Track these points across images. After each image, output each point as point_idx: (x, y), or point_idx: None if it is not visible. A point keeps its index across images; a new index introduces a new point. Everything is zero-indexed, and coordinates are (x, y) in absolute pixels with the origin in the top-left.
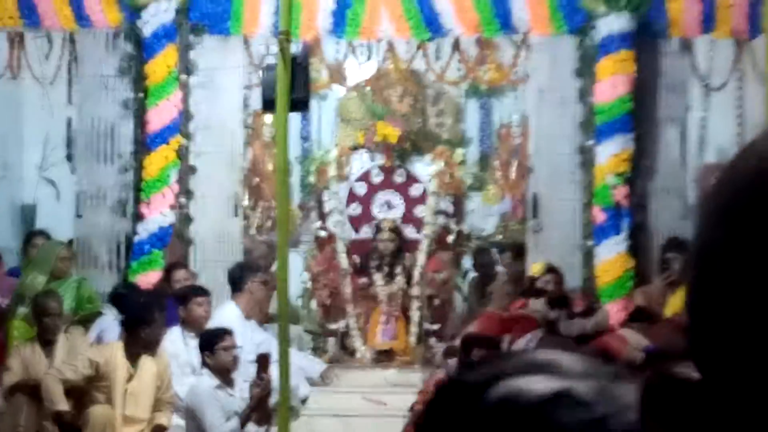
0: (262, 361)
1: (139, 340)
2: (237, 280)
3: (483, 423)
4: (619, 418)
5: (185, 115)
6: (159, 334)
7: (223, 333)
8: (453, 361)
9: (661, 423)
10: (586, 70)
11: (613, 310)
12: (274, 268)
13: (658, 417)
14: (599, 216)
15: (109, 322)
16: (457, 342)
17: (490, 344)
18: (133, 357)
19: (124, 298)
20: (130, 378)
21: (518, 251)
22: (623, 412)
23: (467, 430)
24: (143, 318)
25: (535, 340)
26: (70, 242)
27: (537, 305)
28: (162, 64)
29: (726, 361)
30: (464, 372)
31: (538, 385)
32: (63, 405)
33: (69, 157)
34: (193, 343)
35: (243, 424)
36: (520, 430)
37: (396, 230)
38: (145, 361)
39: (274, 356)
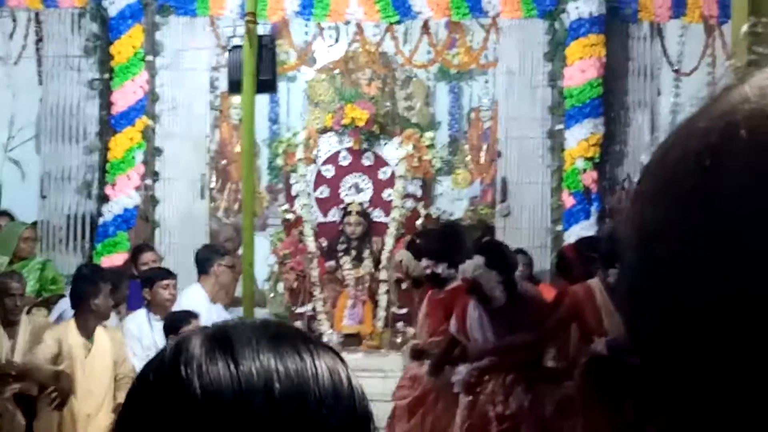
0: None
1: (90, 313)
2: (203, 262)
3: None
4: None
5: (151, 96)
6: (107, 303)
7: (189, 316)
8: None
9: (600, 402)
10: (555, 53)
11: None
12: (240, 251)
13: (596, 395)
14: (568, 200)
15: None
16: (421, 338)
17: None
18: (87, 331)
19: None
20: (87, 354)
21: (489, 234)
22: None
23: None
24: (88, 290)
25: (479, 312)
26: (34, 223)
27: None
28: (128, 44)
29: (666, 347)
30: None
31: None
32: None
33: (37, 138)
34: (158, 325)
35: None
36: None
37: (364, 213)
38: (100, 334)
39: None
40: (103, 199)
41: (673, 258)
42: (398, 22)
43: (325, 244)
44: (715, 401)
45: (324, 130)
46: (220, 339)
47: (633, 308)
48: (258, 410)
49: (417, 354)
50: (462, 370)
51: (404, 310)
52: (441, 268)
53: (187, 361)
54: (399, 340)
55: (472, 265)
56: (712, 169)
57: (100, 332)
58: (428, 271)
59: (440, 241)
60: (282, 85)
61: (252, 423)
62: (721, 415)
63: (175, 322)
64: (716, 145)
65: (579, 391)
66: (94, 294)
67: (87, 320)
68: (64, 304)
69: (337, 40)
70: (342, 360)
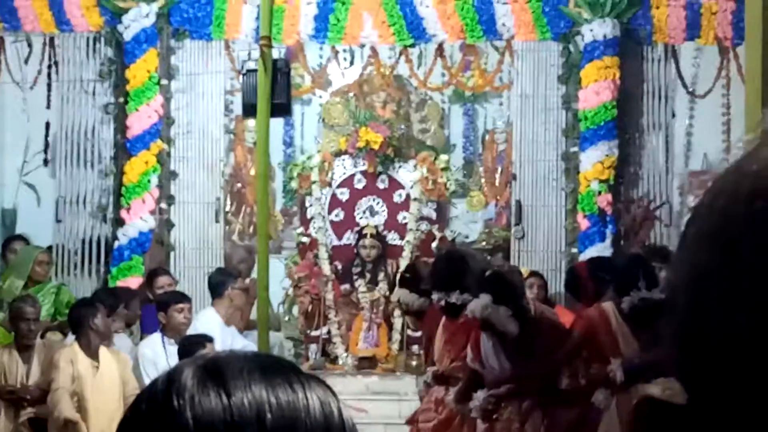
0: None
1: (91, 333)
2: (216, 286)
3: None
4: None
5: (166, 120)
6: (106, 323)
7: (204, 340)
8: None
9: None
10: (570, 76)
11: None
12: (254, 273)
13: None
14: (583, 223)
15: None
16: (444, 365)
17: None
18: (91, 352)
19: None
20: (95, 374)
21: (506, 257)
22: None
23: None
24: (85, 312)
25: (492, 341)
26: (49, 247)
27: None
28: (143, 68)
29: (718, 386)
30: None
31: None
32: (74, 415)
33: (45, 162)
34: (173, 349)
35: None
36: None
37: (379, 236)
38: (105, 354)
39: None
40: (118, 222)
41: (725, 299)
42: (413, 45)
43: (340, 267)
44: None
45: (339, 153)
46: (212, 370)
47: (684, 348)
48: None
49: (440, 380)
50: (479, 396)
51: (419, 333)
52: (453, 297)
53: (179, 391)
54: (414, 362)
55: (480, 306)
56: (763, 211)
57: (104, 353)
58: (441, 303)
59: (446, 270)
60: (296, 109)
61: None
62: None
63: (190, 346)
64: (766, 187)
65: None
66: (92, 314)
67: (89, 341)
68: None
69: (351, 63)
70: (333, 393)
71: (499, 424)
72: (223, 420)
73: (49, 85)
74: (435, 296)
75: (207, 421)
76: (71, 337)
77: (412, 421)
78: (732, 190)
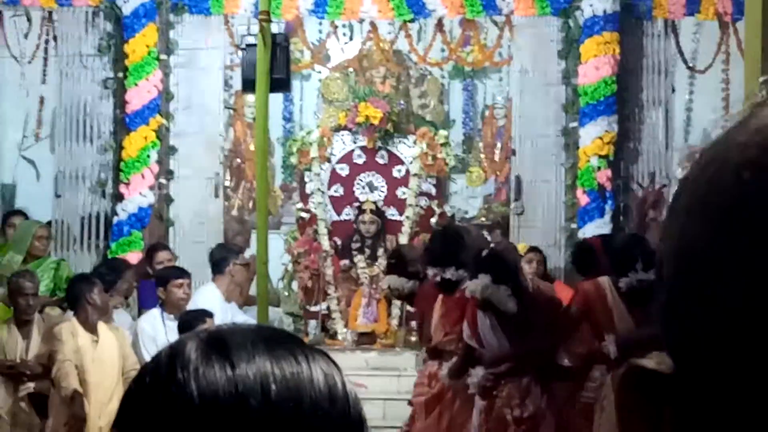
0: None
1: (89, 307)
2: (218, 262)
3: None
4: None
5: (165, 95)
6: (104, 297)
7: (203, 315)
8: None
9: (638, 413)
10: (570, 51)
11: None
12: (251, 247)
13: (634, 406)
14: (583, 198)
15: None
16: (437, 337)
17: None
18: (90, 327)
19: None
20: (95, 348)
21: (505, 232)
22: None
23: None
24: (82, 287)
25: (490, 319)
26: (49, 223)
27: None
28: (142, 43)
29: (704, 356)
30: None
31: None
32: (79, 387)
33: (37, 138)
34: (173, 324)
35: None
36: None
37: (378, 212)
38: (103, 329)
39: None
40: (118, 198)
41: (714, 270)
42: (412, 20)
43: (339, 242)
44: (754, 412)
45: (338, 129)
46: (216, 342)
47: (671, 319)
48: (254, 412)
49: (433, 354)
50: (478, 373)
51: None
52: (449, 273)
53: (183, 364)
54: (413, 338)
55: (479, 286)
56: (751, 182)
57: (103, 328)
58: (437, 279)
59: (442, 245)
60: (296, 84)
61: (248, 425)
62: (759, 424)
63: (190, 321)
64: (755, 159)
65: (617, 404)
66: (88, 289)
67: (87, 315)
68: None
69: (351, 39)
70: (336, 366)
71: (499, 401)
72: (228, 391)
73: (46, 60)
74: (430, 272)
75: (211, 393)
76: (70, 312)
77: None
78: (720, 162)
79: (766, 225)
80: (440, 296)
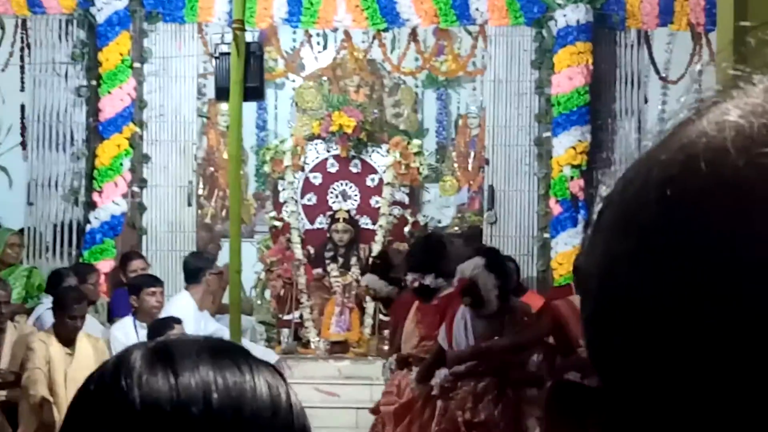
0: None
1: (70, 320)
2: (193, 271)
3: None
4: None
5: (139, 103)
6: (85, 309)
7: (172, 322)
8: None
9: (563, 427)
10: (543, 61)
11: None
12: (227, 258)
13: (559, 420)
14: (556, 208)
15: (46, 309)
16: (406, 347)
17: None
18: (68, 341)
19: (50, 283)
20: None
21: (478, 241)
22: None
23: None
24: (72, 301)
25: (465, 320)
26: (21, 230)
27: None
28: (115, 51)
29: (627, 372)
30: None
31: None
32: (47, 395)
33: (24, 145)
34: (145, 333)
35: None
36: None
37: (351, 221)
38: (82, 342)
39: None
40: (91, 206)
41: (635, 286)
42: (386, 30)
43: (312, 251)
44: (679, 426)
45: (312, 137)
46: (162, 351)
47: (594, 334)
48: (195, 420)
49: (403, 362)
50: (440, 373)
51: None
52: (428, 279)
53: (128, 371)
54: (386, 347)
55: (471, 265)
56: (673, 199)
57: (82, 340)
58: (416, 284)
59: (424, 252)
60: (270, 92)
61: None
62: None
63: (159, 329)
64: (676, 176)
65: (544, 414)
66: (76, 303)
67: (67, 329)
68: (40, 310)
69: (325, 47)
70: (283, 377)
71: (453, 403)
72: (170, 399)
73: (21, 68)
74: (409, 277)
75: (153, 400)
76: (32, 318)
77: (376, 410)
78: (642, 179)
79: (687, 241)
80: (416, 303)
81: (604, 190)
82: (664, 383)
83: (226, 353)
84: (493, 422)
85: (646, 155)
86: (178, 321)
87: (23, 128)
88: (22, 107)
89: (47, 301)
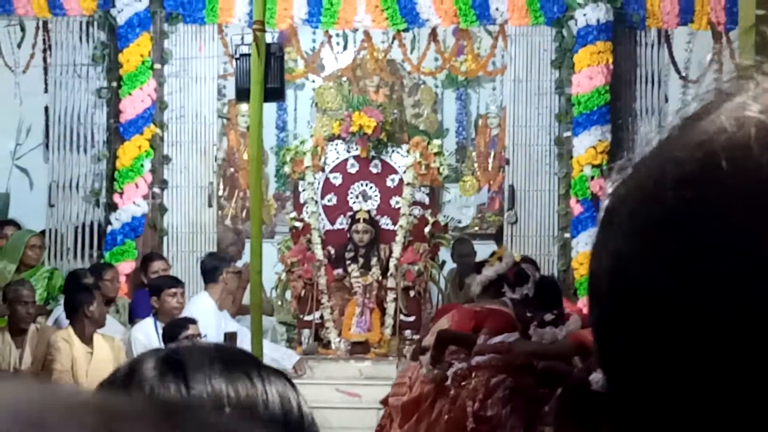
0: (229, 339)
1: (86, 320)
2: (210, 270)
3: None
4: None
5: (159, 105)
6: (102, 310)
7: (187, 322)
8: (424, 358)
9: (573, 427)
10: (563, 61)
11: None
12: (246, 257)
13: (570, 424)
14: (576, 208)
15: (63, 310)
16: (428, 339)
17: (465, 342)
18: (85, 338)
19: (68, 284)
20: (90, 360)
21: (498, 242)
22: None
23: None
24: (82, 298)
25: (513, 338)
26: (42, 232)
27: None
28: (136, 52)
29: (638, 375)
30: None
31: None
32: None
33: (47, 146)
34: None
35: None
36: None
37: (371, 221)
38: (99, 341)
39: (247, 347)
40: (111, 207)
41: (649, 287)
42: (406, 30)
43: (332, 251)
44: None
45: (331, 138)
46: (173, 362)
47: (605, 335)
48: None
49: (420, 353)
50: (459, 365)
51: (412, 318)
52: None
53: (140, 382)
54: (406, 347)
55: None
56: (693, 200)
57: (98, 339)
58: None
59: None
60: (290, 93)
61: None
62: None
63: (174, 328)
64: (696, 174)
65: (554, 417)
66: (87, 302)
67: (84, 327)
68: (59, 311)
69: (345, 48)
70: (294, 387)
71: (465, 392)
72: None
73: (45, 69)
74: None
75: None
76: (51, 319)
77: (385, 401)
78: (657, 176)
79: (709, 242)
80: (456, 307)
81: (610, 187)
82: (677, 388)
83: (237, 363)
84: (499, 422)
85: (657, 151)
86: (193, 321)
87: (47, 130)
88: (46, 109)
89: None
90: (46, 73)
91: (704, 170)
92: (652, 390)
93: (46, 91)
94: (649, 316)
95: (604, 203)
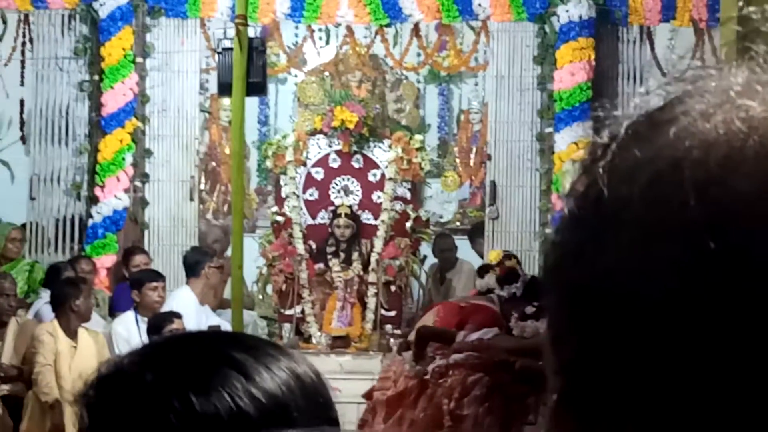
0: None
1: (71, 314)
2: (192, 265)
3: None
4: None
5: (141, 98)
6: (87, 304)
7: (172, 316)
8: (408, 354)
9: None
10: (545, 57)
11: None
12: (228, 252)
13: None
14: (558, 204)
15: (44, 303)
16: (412, 334)
17: (445, 338)
18: (70, 332)
19: (48, 277)
20: (74, 354)
21: (480, 237)
22: None
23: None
24: (68, 292)
25: (491, 334)
26: (23, 225)
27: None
28: (118, 46)
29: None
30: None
31: None
32: (57, 394)
33: (23, 140)
34: (146, 327)
35: None
36: None
37: (353, 216)
38: (83, 335)
39: None
40: (93, 200)
41: (672, 296)
42: (388, 25)
43: (314, 246)
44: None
45: (313, 133)
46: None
47: (554, 332)
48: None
49: (405, 347)
50: (438, 363)
51: (393, 313)
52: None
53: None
54: (387, 342)
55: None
56: (720, 200)
57: (83, 333)
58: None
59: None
60: (272, 87)
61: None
62: None
63: (159, 323)
64: (720, 177)
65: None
66: (74, 296)
67: (69, 321)
68: (39, 303)
69: (327, 43)
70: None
71: (441, 390)
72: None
73: (22, 62)
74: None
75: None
76: (31, 312)
77: (369, 395)
78: (671, 177)
79: (742, 247)
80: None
81: (605, 182)
82: (629, 383)
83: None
84: (476, 420)
85: (659, 149)
86: (178, 315)
87: (22, 123)
88: (21, 102)
89: (46, 295)
90: (23, 66)
91: (725, 172)
92: (611, 387)
93: (22, 84)
94: (673, 327)
95: (581, 200)
